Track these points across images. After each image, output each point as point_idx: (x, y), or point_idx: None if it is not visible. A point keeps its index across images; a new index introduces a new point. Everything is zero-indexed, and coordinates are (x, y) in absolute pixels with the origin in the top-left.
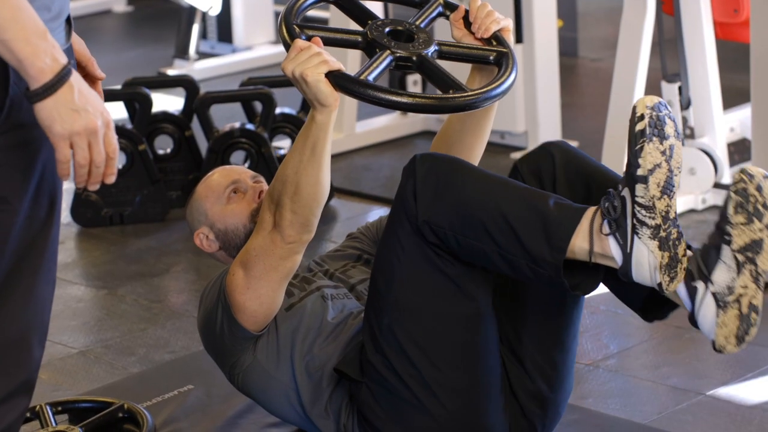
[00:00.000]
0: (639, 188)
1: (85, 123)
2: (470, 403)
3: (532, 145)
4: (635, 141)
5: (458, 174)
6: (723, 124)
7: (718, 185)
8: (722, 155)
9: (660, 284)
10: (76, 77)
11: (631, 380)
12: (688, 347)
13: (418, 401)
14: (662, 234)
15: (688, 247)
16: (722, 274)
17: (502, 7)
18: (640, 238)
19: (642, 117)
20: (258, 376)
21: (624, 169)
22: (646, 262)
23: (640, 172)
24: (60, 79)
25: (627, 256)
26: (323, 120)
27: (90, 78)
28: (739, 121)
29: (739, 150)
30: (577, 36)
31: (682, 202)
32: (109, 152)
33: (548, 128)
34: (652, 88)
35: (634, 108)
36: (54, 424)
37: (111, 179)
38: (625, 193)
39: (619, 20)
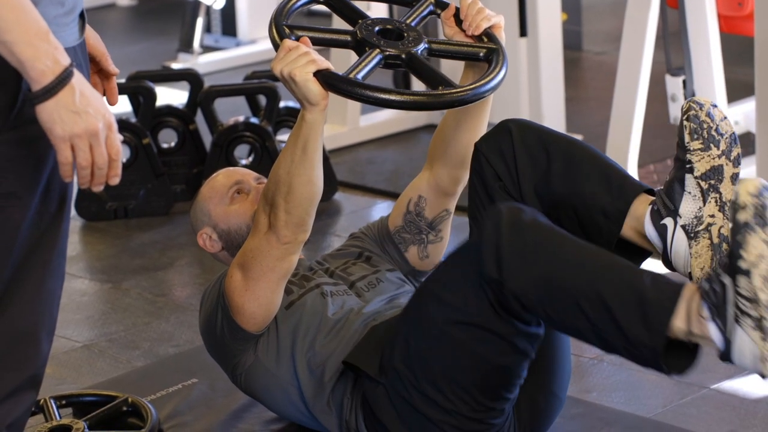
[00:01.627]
0: (742, 280)
1: (86, 125)
2: (484, 423)
3: None
4: (738, 231)
5: (548, 241)
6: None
7: None
8: None
9: (763, 374)
10: (78, 79)
11: (636, 374)
12: None
13: (434, 421)
14: (766, 324)
15: (652, 192)
16: (688, 205)
17: (506, 1)
18: (742, 328)
19: (745, 206)
20: (260, 375)
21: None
22: (748, 352)
23: (743, 265)
24: (60, 82)
25: (728, 343)
26: (313, 119)
27: (103, 73)
28: (744, 114)
29: (744, 143)
30: (582, 29)
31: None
32: (111, 154)
33: (552, 122)
34: (657, 82)
35: (736, 194)
36: (58, 417)
37: (114, 181)
38: (726, 281)
39: (624, 13)
